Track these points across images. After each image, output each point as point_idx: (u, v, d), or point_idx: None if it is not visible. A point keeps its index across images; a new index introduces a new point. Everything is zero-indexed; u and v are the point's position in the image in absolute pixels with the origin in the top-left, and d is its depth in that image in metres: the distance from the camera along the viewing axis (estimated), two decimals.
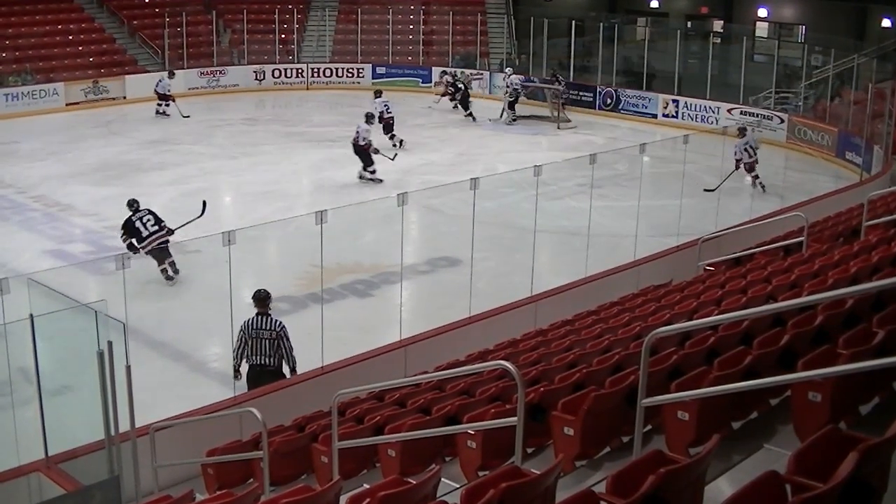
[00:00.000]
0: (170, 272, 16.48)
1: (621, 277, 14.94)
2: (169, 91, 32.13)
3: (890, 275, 9.36)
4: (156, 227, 16.78)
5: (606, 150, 26.19)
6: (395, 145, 26.41)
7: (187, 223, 17.16)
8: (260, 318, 11.52)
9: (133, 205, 17.11)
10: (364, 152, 23.51)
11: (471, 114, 32.20)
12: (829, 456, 4.71)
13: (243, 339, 11.43)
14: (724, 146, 21.17)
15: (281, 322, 11.67)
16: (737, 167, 22.08)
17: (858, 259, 10.68)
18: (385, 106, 26.96)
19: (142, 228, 16.70)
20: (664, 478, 4.74)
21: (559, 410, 7.25)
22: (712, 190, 19.69)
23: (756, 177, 22.40)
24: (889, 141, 23.87)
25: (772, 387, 6.91)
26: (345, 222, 16.13)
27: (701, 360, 7.83)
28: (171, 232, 16.89)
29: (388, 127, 26.87)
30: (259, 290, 11.76)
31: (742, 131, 22.57)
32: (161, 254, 16.51)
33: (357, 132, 23.59)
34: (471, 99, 33.11)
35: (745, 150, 22.20)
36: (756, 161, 22.33)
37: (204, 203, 17.82)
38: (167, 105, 31.96)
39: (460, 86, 33.37)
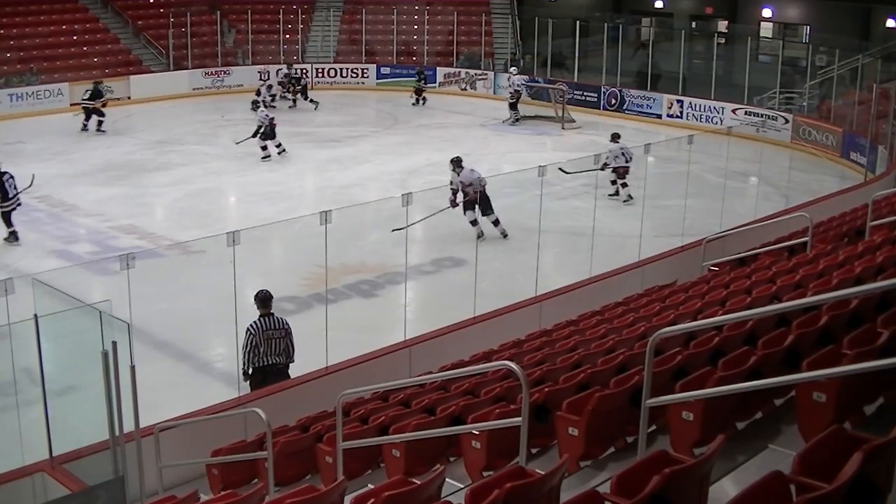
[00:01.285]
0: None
1: (626, 278, 14.94)
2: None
3: (894, 275, 9.36)
4: (15, 190, 18.68)
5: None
6: (279, 147, 26.32)
7: (22, 190, 19.16)
8: (266, 319, 11.51)
9: None
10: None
11: (311, 100, 34.14)
12: (833, 456, 4.70)
13: (253, 343, 11.42)
14: (729, 146, 21.16)
15: (285, 320, 11.71)
16: (603, 168, 21.44)
17: (863, 259, 10.68)
18: (267, 116, 26.20)
19: (9, 189, 18.53)
20: (669, 478, 4.74)
21: (564, 411, 7.25)
22: (567, 172, 19.89)
23: (625, 184, 21.75)
24: (894, 141, 23.86)
25: (776, 387, 6.90)
26: (349, 223, 16.16)
27: (705, 360, 7.83)
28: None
29: (268, 134, 26.05)
30: (261, 291, 11.74)
31: (615, 137, 22.14)
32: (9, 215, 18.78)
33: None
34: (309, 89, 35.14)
35: (622, 153, 21.62)
36: (628, 169, 21.69)
37: (33, 176, 19.99)
38: (289, 92, 34.80)
39: (303, 80, 35.06)
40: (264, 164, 25.63)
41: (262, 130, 25.96)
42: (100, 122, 29.57)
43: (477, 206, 18.94)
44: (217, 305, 15.05)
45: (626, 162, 21.61)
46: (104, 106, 29.60)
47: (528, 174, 15.12)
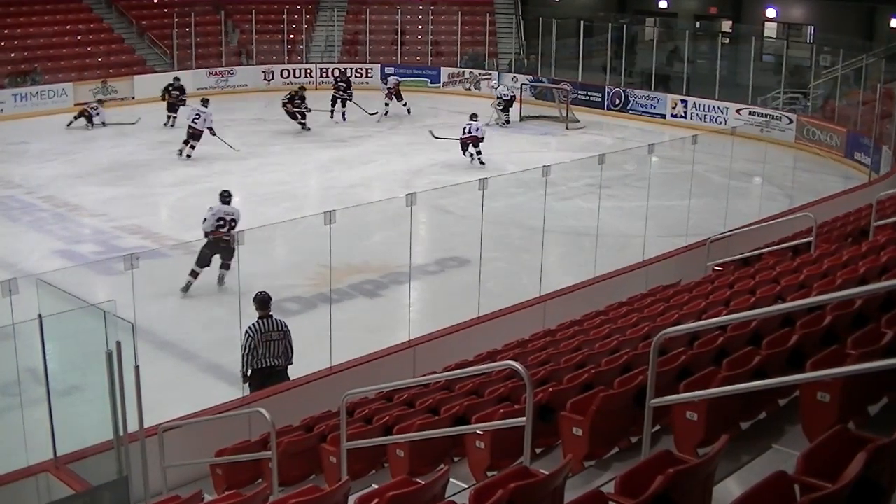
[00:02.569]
0: None
1: (630, 277, 14.93)
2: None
3: None
4: None
5: (615, 150, 26.19)
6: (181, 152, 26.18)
7: None
8: (265, 321, 11.52)
9: None
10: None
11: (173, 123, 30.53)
12: (837, 456, 4.70)
13: (251, 345, 11.42)
14: (733, 146, 21.15)
15: (284, 321, 11.72)
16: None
17: (867, 259, 10.67)
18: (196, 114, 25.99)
19: None
20: (673, 478, 4.74)
21: (568, 411, 7.25)
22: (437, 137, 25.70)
23: (479, 152, 25.59)
24: None
25: (780, 387, 6.90)
26: (354, 223, 16.14)
27: (709, 360, 7.83)
28: None
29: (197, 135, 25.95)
30: (260, 293, 11.76)
31: (473, 116, 26.09)
32: None
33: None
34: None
35: (478, 129, 25.67)
36: (482, 139, 25.64)
37: None
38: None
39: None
40: (270, 164, 25.66)
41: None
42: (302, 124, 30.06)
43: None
44: (222, 305, 15.11)
45: (482, 135, 25.68)
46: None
47: (532, 174, 15.12)
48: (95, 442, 9.30)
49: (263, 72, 37.65)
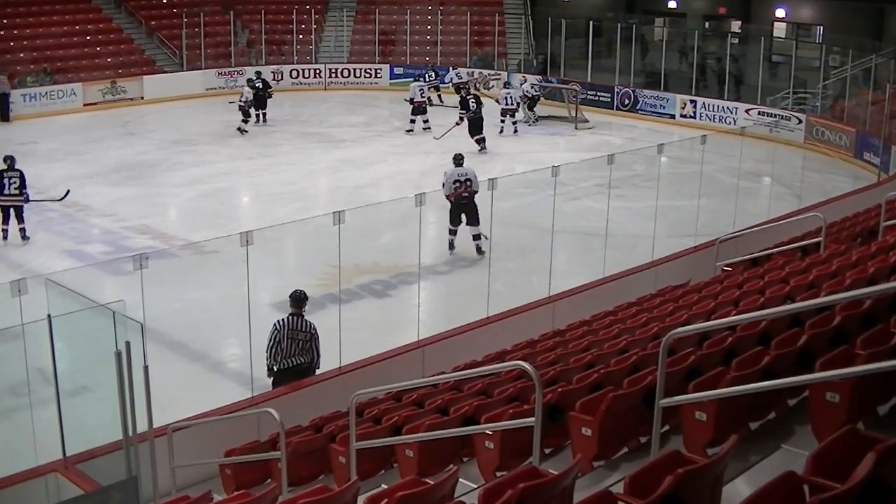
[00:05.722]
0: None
1: (639, 278, 14.92)
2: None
3: None
4: (16, 192, 18.76)
5: (624, 150, 26.15)
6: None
7: (42, 200, 20.35)
8: (295, 319, 11.53)
9: (7, 160, 18.84)
10: None
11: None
12: (846, 456, 4.69)
13: (277, 340, 11.43)
14: (742, 147, 21.10)
15: (314, 324, 11.70)
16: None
17: (876, 259, 10.65)
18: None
19: (4, 187, 18.60)
20: (682, 478, 4.74)
21: (577, 411, 7.24)
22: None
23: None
24: None
25: (789, 387, 6.88)
26: (363, 223, 16.15)
27: (719, 360, 7.81)
28: (27, 200, 19.02)
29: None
30: (296, 291, 11.78)
31: (418, 77, 30.15)
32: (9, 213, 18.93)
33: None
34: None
35: (420, 90, 28.93)
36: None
37: (67, 191, 20.50)
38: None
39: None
40: (279, 164, 25.71)
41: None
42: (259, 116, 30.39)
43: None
44: (230, 306, 15.09)
45: (422, 96, 29.04)
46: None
47: (541, 174, 15.13)
48: (104, 442, 9.31)
49: (272, 72, 37.62)
